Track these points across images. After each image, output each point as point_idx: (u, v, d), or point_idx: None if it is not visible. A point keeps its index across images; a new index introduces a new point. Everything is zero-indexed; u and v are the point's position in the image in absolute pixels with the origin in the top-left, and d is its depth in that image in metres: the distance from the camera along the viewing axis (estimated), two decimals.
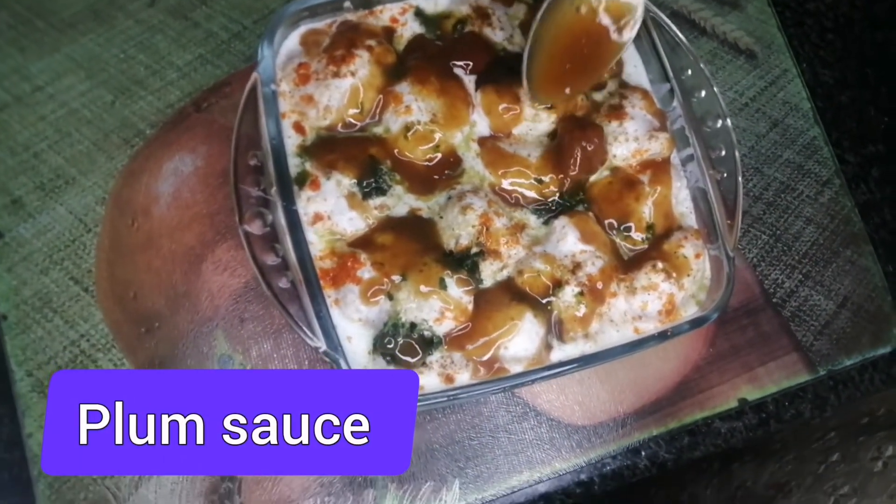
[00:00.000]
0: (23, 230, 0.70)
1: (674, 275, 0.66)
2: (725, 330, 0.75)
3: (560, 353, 0.64)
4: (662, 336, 0.64)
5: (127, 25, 0.76)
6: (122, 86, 0.74)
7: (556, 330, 0.64)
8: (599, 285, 0.64)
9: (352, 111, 0.66)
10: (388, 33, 0.69)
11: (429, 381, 0.62)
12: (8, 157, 0.71)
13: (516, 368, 0.62)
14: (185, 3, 0.77)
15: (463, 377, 0.62)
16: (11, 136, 0.72)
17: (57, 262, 0.70)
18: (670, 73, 0.69)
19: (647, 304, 0.65)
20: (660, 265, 0.66)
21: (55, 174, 0.72)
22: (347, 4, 0.68)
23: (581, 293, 0.64)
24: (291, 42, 0.67)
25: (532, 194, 0.67)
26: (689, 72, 0.70)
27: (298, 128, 0.65)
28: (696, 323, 0.65)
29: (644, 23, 0.70)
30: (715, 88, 0.69)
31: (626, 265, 0.67)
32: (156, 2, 0.76)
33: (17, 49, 0.74)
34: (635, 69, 0.72)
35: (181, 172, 0.72)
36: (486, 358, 0.62)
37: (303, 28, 0.68)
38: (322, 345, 0.60)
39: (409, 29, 0.70)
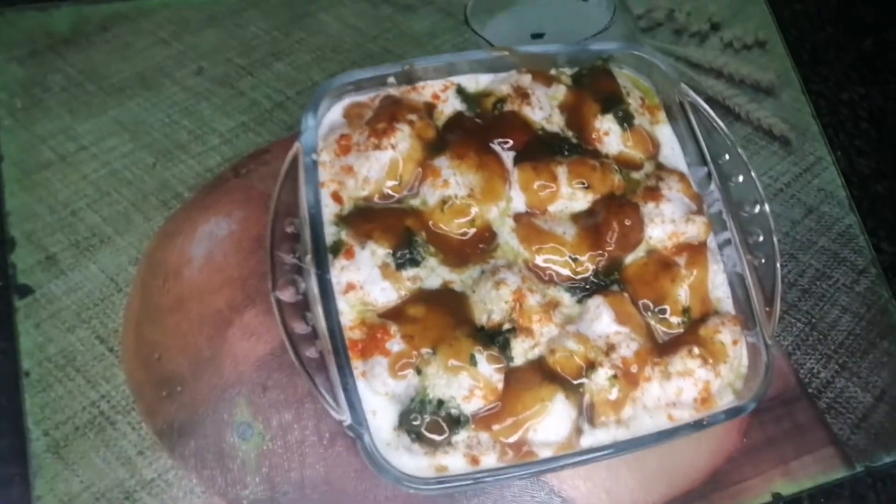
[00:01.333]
0: (54, 287, 0.70)
1: (710, 361, 0.64)
2: (760, 420, 0.73)
3: (591, 437, 0.62)
4: (698, 425, 0.62)
5: (173, 91, 0.78)
6: (165, 149, 0.76)
7: (588, 414, 0.62)
8: (634, 368, 0.63)
9: (390, 183, 0.66)
10: (430, 109, 0.70)
11: (454, 462, 0.60)
12: (47, 213, 0.72)
13: (545, 452, 0.60)
14: (231, 72, 0.79)
15: (489, 459, 0.60)
16: (53, 193, 0.73)
17: (84, 321, 0.70)
18: (708, 157, 0.69)
19: (682, 391, 0.63)
20: (696, 350, 0.64)
21: (91, 233, 0.72)
22: (391, 80, 0.69)
23: (615, 376, 0.62)
24: (334, 114, 0.68)
25: (566, 272, 0.66)
26: (727, 156, 0.70)
27: (336, 197, 0.66)
28: (732, 413, 0.63)
29: (681, 106, 0.71)
30: (752, 174, 0.69)
31: (661, 349, 0.65)
32: (203, 70, 0.79)
33: (67, 111, 0.76)
34: (672, 152, 0.72)
35: (216, 236, 0.73)
36: (514, 440, 0.60)
37: (346, 101, 0.69)
38: (347, 418, 0.58)
39: (451, 105, 0.71)
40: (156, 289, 0.71)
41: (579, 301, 0.66)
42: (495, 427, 0.60)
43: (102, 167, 0.74)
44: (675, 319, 0.66)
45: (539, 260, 0.66)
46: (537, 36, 0.85)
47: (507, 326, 0.62)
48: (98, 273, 0.71)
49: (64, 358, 0.68)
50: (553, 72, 0.74)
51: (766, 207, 0.67)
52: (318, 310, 0.61)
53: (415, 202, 0.67)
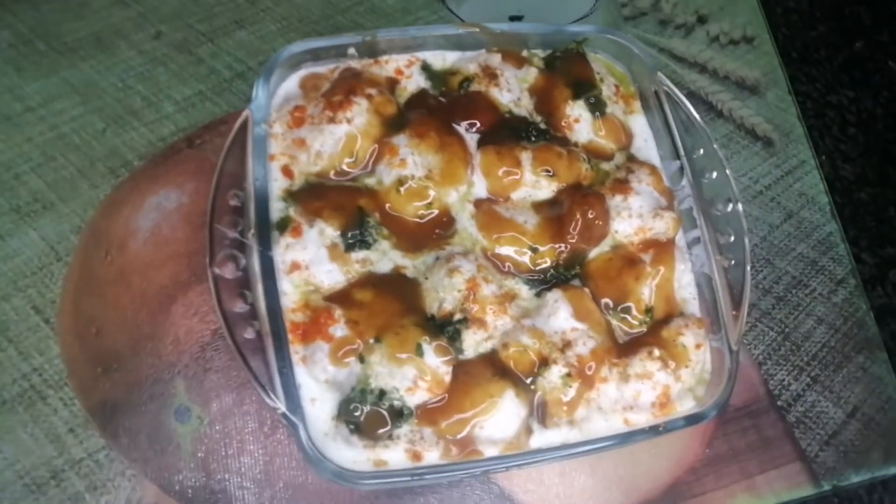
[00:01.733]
0: None
1: (671, 364, 0.61)
2: (725, 430, 0.70)
3: (541, 438, 0.59)
4: (654, 430, 0.59)
5: (129, 55, 0.75)
6: (116, 114, 0.73)
7: (539, 413, 0.59)
8: (590, 368, 0.59)
9: (345, 160, 0.63)
10: (392, 84, 0.67)
11: (394, 456, 0.57)
12: None
13: (491, 451, 0.57)
14: (191, 38, 0.76)
15: (432, 456, 0.57)
16: None
17: (21, 290, 0.67)
18: (682, 151, 0.66)
19: (639, 394, 0.60)
20: (656, 352, 0.61)
21: (34, 198, 0.69)
22: (352, 51, 0.66)
23: (569, 374, 0.59)
24: (290, 84, 0.65)
25: (526, 262, 0.63)
26: (702, 151, 0.67)
27: (287, 171, 0.63)
28: (692, 420, 0.60)
29: (657, 96, 0.68)
30: (728, 171, 0.65)
31: (621, 349, 0.62)
32: (161, 35, 0.76)
33: (15, 69, 0.73)
34: (645, 143, 0.69)
35: (164, 208, 0.69)
36: (459, 437, 0.57)
37: (303, 71, 0.66)
38: (282, 406, 0.55)
39: (414, 82, 0.68)
40: (98, 260, 0.68)
41: (537, 294, 0.63)
42: (441, 422, 0.57)
43: (49, 130, 0.71)
44: (636, 319, 0.63)
45: (498, 249, 0.63)
46: (515, 19, 0.82)
47: (458, 317, 0.59)
48: (38, 240, 0.68)
49: None
50: (525, 53, 0.71)
51: (739, 207, 0.64)
52: (259, 289, 0.57)
53: (370, 181, 0.64)
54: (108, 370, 0.65)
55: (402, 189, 0.62)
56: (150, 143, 0.72)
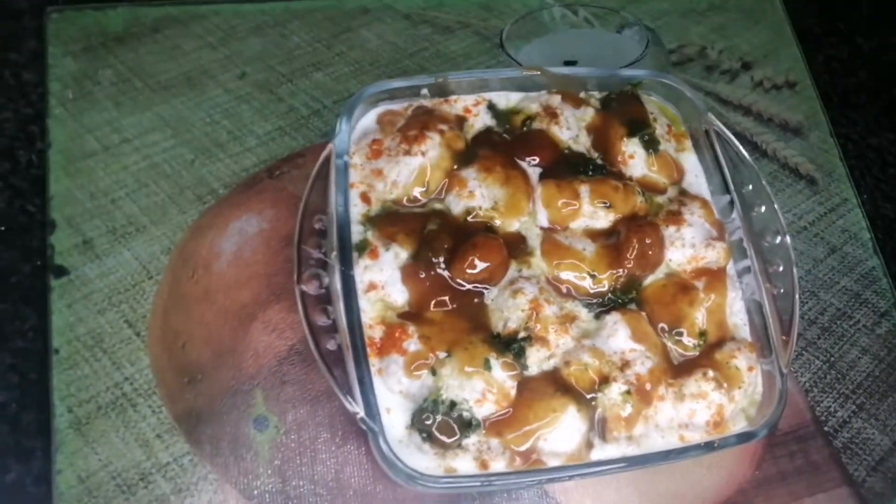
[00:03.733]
0: (88, 270, 0.73)
1: (724, 385, 0.64)
2: (773, 454, 0.72)
3: (601, 452, 0.62)
4: (709, 446, 0.62)
5: (216, 93, 0.81)
6: (204, 147, 0.79)
7: (599, 428, 0.62)
8: (647, 386, 0.63)
9: (418, 189, 0.68)
10: (460, 121, 0.72)
11: (463, 464, 0.60)
12: (87, 200, 0.75)
13: (554, 462, 0.60)
14: (272, 79, 0.83)
15: (498, 465, 0.60)
16: (94, 181, 0.76)
17: (115, 305, 0.72)
18: (731, 185, 0.70)
19: (694, 413, 0.63)
20: (711, 374, 0.64)
21: (128, 221, 0.75)
22: (424, 91, 0.72)
23: (628, 392, 0.62)
24: (368, 120, 0.71)
25: (585, 286, 0.67)
26: (750, 187, 0.71)
27: (365, 198, 0.68)
28: (744, 437, 0.63)
29: (707, 135, 0.73)
30: (775, 205, 0.69)
31: (676, 370, 0.65)
32: (246, 75, 0.82)
33: (114, 104, 0.79)
34: (696, 179, 0.73)
35: (246, 232, 0.75)
36: (523, 448, 0.61)
37: (380, 108, 0.71)
38: (361, 411, 0.59)
39: (481, 120, 0.73)
40: (185, 279, 0.73)
41: (596, 317, 0.66)
42: (506, 433, 0.61)
43: (143, 160, 0.78)
44: (690, 342, 0.66)
45: (559, 274, 0.67)
46: (570, 63, 0.87)
47: (522, 335, 0.63)
48: (131, 260, 0.73)
49: (92, 339, 0.70)
50: (582, 94, 0.76)
51: (787, 239, 0.68)
52: (340, 305, 0.62)
53: (439, 206, 0.68)
54: (193, 381, 0.69)
55: (469, 218, 0.67)
56: (234, 173, 0.78)
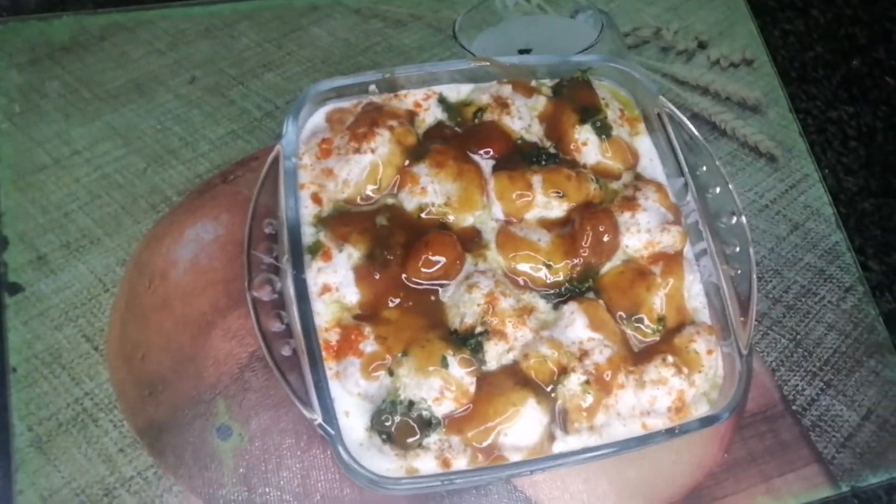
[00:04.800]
0: (43, 286, 0.72)
1: (685, 370, 0.64)
2: (742, 436, 0.72)
3: (563, 444, 0.62)
4: (670, 433, 0.62)
5: (166, 99, 0.80)
6: (156, 154, 0.78)
7: (560, 420, 0.62)
8: (607, 375, 0.63)
9: (370, 187, 0.68)
10: (411, 116, 0.72)
11: (425, 464, 0.60)
12: (40, 215, 0.74)
13: (516, 457, 0.60)
14: (223, 82, 0.81)
15: (461, 462, 0.60)
16: (46, 195, 0.75)
17: (72, 319, 0.71)
18: (685, 168, 0.70)
19: (655, 399, 0.63)
20: (670, 359, 0.64)
21: (82, 234, 0.74)
22: (373, 88, 0.71)
23: (587, 382, 0.62)
24: (317, 118, 0.70)
25: (541, 277, 0.66)
26: (705, 168, 0.71)
27: (316, 199, 0.67)
28: (706, 421, 0.63)
29: (660, 118, 0.72)
30: (730, 185, 0.69)
31: (636, 357, 0.65)
32: (196, 79, 0.81)
33: (63, 115, 0.78)
34: (651, 163, 0.73)
35: (202, 239, 0.74)
36: (485, 444, 0.60)
37: (329, 106, 0.71)
38: (318, 417, 0.59)
39: (432, 114, 0.72)
40: (142, 290, 0.72)
41: (554, 307, 0.66)
42: (467, 430, 0.61)
43: (95, 171, 0.76)
44: (649, 328, 0.66)
45: (515, 266, 0.67)
46: (524, 52, 0.86)
47: (479, 329, 0.63)
48: (87, 273, 0.73)
49: (50, 355, 0.69)
50: (533, 83, 0.75)
51: (743, 219, 0.68)
52: (294, 310, 0.61)
53: (391, 200, 0.68)
54: (153, 392, 0.69)
55: (422, 215, 0.67)
56: (188, 179, 0.77)
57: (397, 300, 0.64)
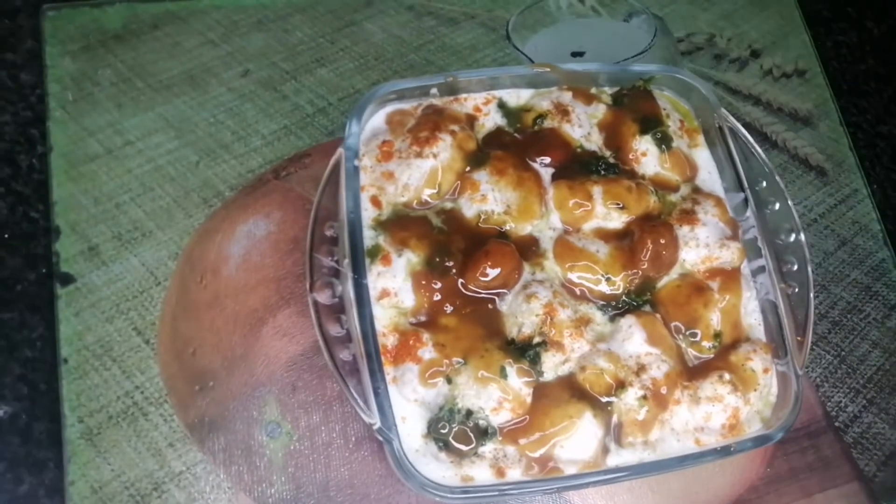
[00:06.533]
0: (95, 277, 0.72)
1: (740, 388, 0.64)
2: (785, 451, 0.72)
3: (617, 457, 0.62)
4: (725, 451, 0.62)
5: (219, 92, 0.79)
6: (209, 148, 0.77)
7: (615, 433, 0.62)
8: (663, 390, 0.63)
9: (429, 191, 0.67)
10: (471, 121, 0.71)
11: (480, 472, 0.60)
12: (92, 205, 0.74)
13: (570, 469, 0.60)
14: (276, 76, 0.81)
15: (515, 472, 0.60)
16: (98, 185, 0.75)
17: (123, 312, 0.71)
18: (745, 183, 0.70)
19: (710, 416, 0.63)
20: (727, 377, 0.64)
21: (133, 226, 0.74)
22: (434, 91, 0.70)
23: (644, 397, 0.62)
24: (377, 120, 0.70)
25: (599, 289, 0.66)
26: (764, 183, 0.70)
27: (375, 202, 0.67)
28: (760, 441, 0.63)
29: (720, 131, 0.72)
30: (789, 202, 0.69)
31: (691, 373, 0.65)
32: (249, 73, 0.80)
33: (115, 105, 0.78)
34: (709, 176, 0.73)
35: (254, 235, 0.74)
36: (539, 454, 0.61)
37: (389, 108, 0.70)
38: (377, 422, 0.59)
39: (491, 119, 0.72)
40: (193, 285, 0.72)
41: (611, 319, 0.66)
42: (522, 441, 0.61)
43: (147, 162, 0.76)
44: (706, 344, 0.66)
45: (572, 277, 0.66)
46: (577, 54, 0.85)
47: (537, 340, 0.63)
48: (138, 266, 0.73)
49: (101, 347, 0.70)
50: (593, 90, 0.74)
51: (802, 236, 0.68)
52: (353, 313, 0.61)
53: (449, 205, 0.68)
54: (204, 388, 0.69)
55: (481, 223, 0.67)
56: (240, 174, 0.76)
57: (454, 307, 0.64)
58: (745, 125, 0.86)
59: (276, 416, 0.69)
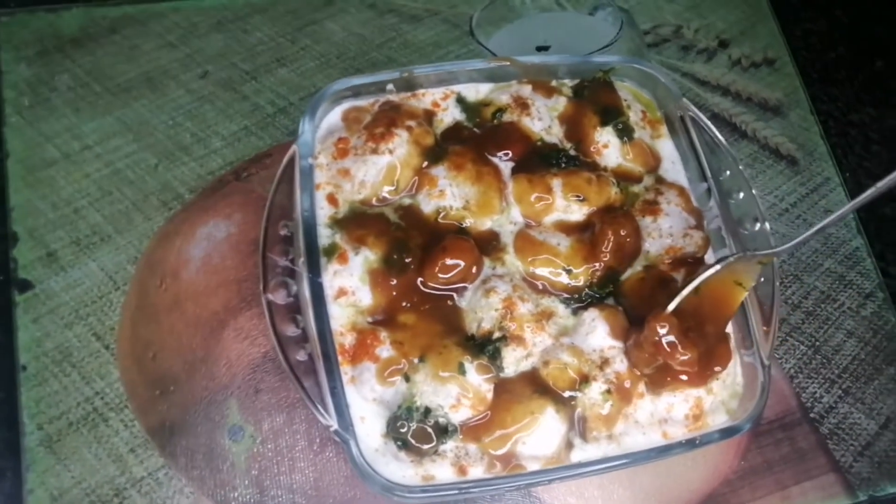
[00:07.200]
0: (53, 283, 0.71)
1: None
2: (759, 443, 0.71)
3: (581, 452, 0.61)
4: (690, 444, 0.61)
5: (178, 94, 0.79)
6: (168, 150, 0.77)
7: (579, 428, 0.61)
8: (627, 384, 0.62)
9: (386, 188, 0.66)
10: (429, 116, 0.70)
11: (441, 471, 0.59)
12: (50, 210, 0.73)
13: (534, 466, 0.59)
14: (235, 77, 0.80)
15: (477, 470, 0.59)
16: (56, 191, 0.74)
17: (82, 318, 0.70)
18: (708, 173, 0.69)
19: (672, 407, 0.62)
20: None
21: (92, 231, 0.73)
22: (390, 86, 0.70)
23: (608, 391, 0.61)
24: (333, 117, 0.69)
25: (561, 282, 0.65)
26: (728, 173, 0.69)
27: (332, 200, 0.66)
28: (726, 433, 0.62)
29: (682, 121, 0.71)
30: (753, 191, 0.68)
31: None
32: (208, 74, 0.80)
33: (73, 109, 0.77)
34: (673, 166, 0.72)
35: (214, 238, 0.73)
36: (502, 452, 0.60)
37: (345, 105, 0.69)
38: (334, 423, 0.58)
39: (450, 114, 0.71)
40: (153, 288, 0.71)
41: (574, 313, 0.65)
42: (484, 438, 0.60)
43: (105, 167, 0.75)
44: None
45: (533, 270, 0.65)
46: (543, 49, 0.85)
47: (497, 335, 0.62)
48: (97, 271, 0.72)
49: (60, 353, 0.69)
50: (554, 83, 0.74)
51: (767, 225, 0.67)
52: (310, 313, 0.60)
53: (407, 201, 0.67)
54: (165, 392, 0.68)
55: (440, 218, 0.66)
56: (200, 176, 0.76)
57: (413, 304, 0.63)
58: (714, 116, 0.85)
59: (238, 420, 0.68)
